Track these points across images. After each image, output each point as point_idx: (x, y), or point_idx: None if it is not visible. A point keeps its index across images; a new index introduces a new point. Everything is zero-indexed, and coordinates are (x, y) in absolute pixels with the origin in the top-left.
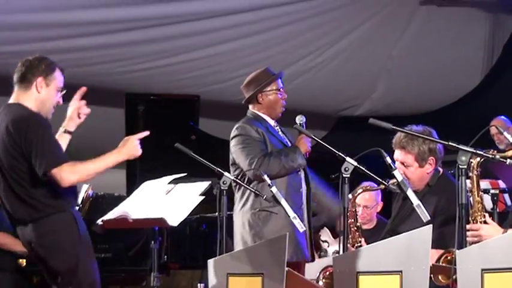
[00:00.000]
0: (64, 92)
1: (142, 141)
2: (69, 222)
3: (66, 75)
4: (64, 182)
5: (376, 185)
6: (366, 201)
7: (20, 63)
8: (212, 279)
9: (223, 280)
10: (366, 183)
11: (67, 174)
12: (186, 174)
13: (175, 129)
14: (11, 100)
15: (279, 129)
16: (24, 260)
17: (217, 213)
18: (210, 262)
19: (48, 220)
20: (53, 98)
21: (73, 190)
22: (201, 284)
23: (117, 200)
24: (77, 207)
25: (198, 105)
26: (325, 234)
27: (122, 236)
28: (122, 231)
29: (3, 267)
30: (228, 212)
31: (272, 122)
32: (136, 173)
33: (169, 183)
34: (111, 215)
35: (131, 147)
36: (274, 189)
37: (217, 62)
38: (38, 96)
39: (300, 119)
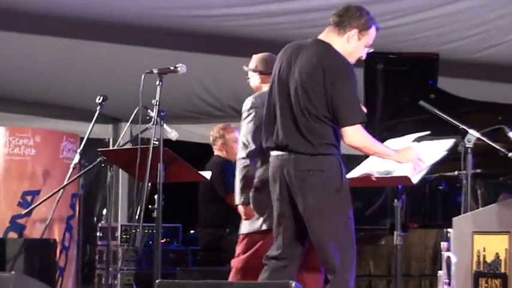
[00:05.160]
0: (371, 50)
1: (381, 100)
2: (337, 166)
3: (293, 38)
4: (350, 139)
5: None
6: None
7: (342, 8)
8: (457, 237)
9: (468, 238)
10: None
11: (359, 135)
12: (429, 132)
13: (414, 88)
14: (322, 37)
15: None
16: None
17: (460, 172)
18: (455, 220)
19: (318, 159)
20: (359, 53)
21: (340, 140)
22: (444, 243)
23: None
24: None
25: (437, 63)
26: None
27: (362, 194)
28: (361, 190)
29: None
30: (472, 170)
31: None
32: (374, 132)
33: (413, 141)
34: (354, 173)
35: (409, 154)
36: None
37: (453, 21)
38: (346, 46)
39: None
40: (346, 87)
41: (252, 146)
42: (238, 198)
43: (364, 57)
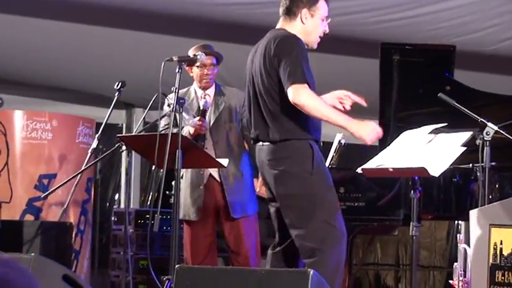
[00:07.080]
0: (329, 20)
1: (397, 91)
2: (307, 150)
3: None
4: (296, 97)
5: None
6: None
7: None
8: (474, 229)
9: (485, 231)
10: None
11: (305, 94)
12: (446, 124)
13: (430, 80)
14: (277, 27)
15: None
16: None
17: (475, 164)
18: (473, 213)
19: (284, 145)
20: (318, 28)
21: (315, 124)
22: (461, 235)
23: (363, 150)
24: (331, 157)
25: (454, 55)
26: None
27: (375, 185)
28: (373, 181)
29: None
30: (492, 163)
31: None
32: (389, 123)
33: (429, 132)
34: (371, 164)
35: (369, 131)
36: None
37: (468, 12)
38: (303, 27)
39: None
40: (290, 54)
41: None
42: None
43: (327, 30)
